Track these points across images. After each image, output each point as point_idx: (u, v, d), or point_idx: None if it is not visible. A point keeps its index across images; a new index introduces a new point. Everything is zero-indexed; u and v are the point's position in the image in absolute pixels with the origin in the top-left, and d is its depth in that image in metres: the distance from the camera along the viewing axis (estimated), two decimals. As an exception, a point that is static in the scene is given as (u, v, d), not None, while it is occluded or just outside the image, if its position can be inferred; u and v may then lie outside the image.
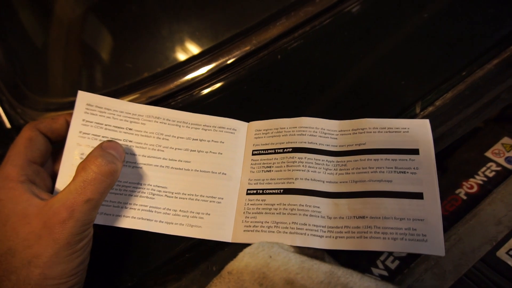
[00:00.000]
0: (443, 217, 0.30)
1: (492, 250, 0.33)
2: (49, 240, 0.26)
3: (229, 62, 0.40)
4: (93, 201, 0.28)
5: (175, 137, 0.36)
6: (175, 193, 0.34)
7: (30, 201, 0.27)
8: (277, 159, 0.35)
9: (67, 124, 0.34)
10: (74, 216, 0.26)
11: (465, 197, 0.37)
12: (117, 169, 0.30)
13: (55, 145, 0.34)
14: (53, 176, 0.33)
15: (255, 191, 0.34)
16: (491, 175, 0.38)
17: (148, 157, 0.35)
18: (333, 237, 0.31)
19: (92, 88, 0.42)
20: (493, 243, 0.34)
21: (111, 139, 0.33)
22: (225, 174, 0.35)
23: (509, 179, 0.37)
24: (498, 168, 0.38)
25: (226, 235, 0.33)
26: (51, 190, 0.32)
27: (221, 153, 0.36)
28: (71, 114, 0.34)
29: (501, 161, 0.39)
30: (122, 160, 0.32)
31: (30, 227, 0.26)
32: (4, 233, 0.27)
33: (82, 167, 0.28)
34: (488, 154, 0.40)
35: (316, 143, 0.35)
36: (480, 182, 0.38)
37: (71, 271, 0.27)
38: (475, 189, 0.38)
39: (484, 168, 0.39)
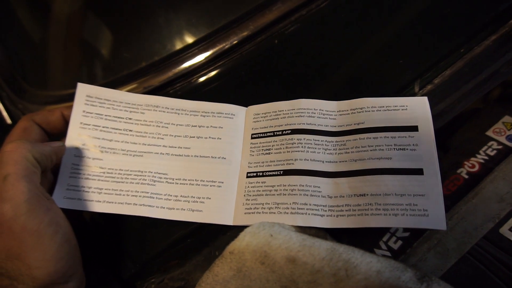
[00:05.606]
0: (445, 196, 0.30)
1: (495, 227, 0.33)
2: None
3: (226, 48, 0.40)
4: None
5: (174, 124, 0.36)
6: (176, 179, 0.34)
7: None
8: (276, 141, 0.35)
9: (63, 117, 0.34)
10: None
11: (466, 176, 0.37)
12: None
13: (52, 137, 0.34)
14: (56, 168, 0.33)
15: (255, 174, 0.34)
16: (492, 153, 0.38)
17: (148, 145, 0.35)
18: (334, 215, 0.31)
19: (90, 79, 0.42)
20: (495, 220, 0.33)
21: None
22: (225, 158, 0.35)
23: (511, 157, 0.37)
24: (499, 147, 0.38)
25: (227, 218, 0.33)
26: (51, 179, 0.33)
27: (220, 138, 0.36)
28: (68, 107, 0.34)
29: (502, 139, 0.39)
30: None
31: None
32: None
33: None
34: (489, 133, 0.40)
35: (315, 124, 0.35)
36: (482, 161, 0.38)
37: (54, 254, 0.26)
38: (476, 168, 0.37)
39: (485, 147, 0.39)
